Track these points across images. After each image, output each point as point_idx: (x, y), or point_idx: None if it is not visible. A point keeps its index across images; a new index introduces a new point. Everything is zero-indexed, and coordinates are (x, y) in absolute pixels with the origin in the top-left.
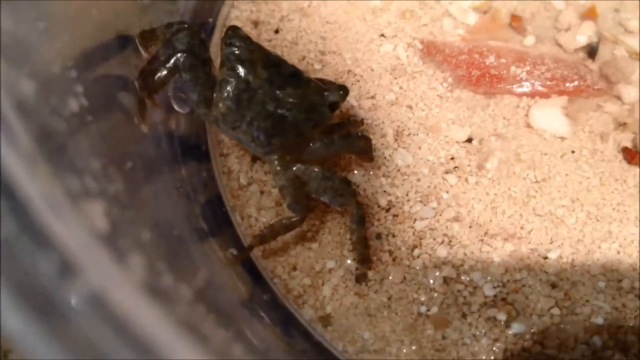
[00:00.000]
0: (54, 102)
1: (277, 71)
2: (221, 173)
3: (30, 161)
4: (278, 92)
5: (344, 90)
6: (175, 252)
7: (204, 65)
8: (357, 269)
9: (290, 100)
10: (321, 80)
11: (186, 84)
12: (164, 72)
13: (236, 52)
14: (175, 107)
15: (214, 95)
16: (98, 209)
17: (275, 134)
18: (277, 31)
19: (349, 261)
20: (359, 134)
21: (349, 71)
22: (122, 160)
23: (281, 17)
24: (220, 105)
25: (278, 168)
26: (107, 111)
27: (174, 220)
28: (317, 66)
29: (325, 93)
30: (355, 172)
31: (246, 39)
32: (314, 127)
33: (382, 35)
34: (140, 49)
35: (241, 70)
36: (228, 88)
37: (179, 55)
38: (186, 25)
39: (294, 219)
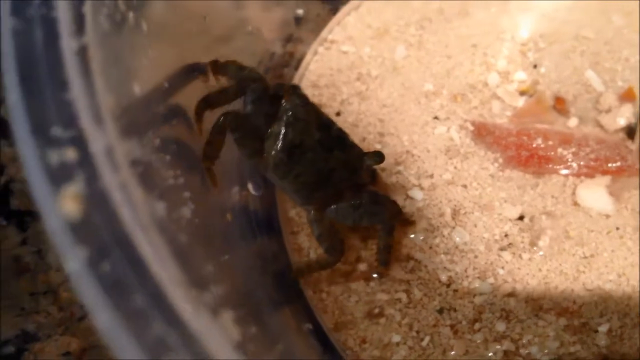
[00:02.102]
0: (175, 215)
1: (327, 133)
2: (292, 250)
3: (181, 287)
4: (326, 152)
5: (379, 156)
6: (257, 319)
7: (265, 118)
8: (376, 268)
9: (336, 161)
10: None
11: (237, 141)
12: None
13: (295, 110)
14: (251, 190)
15: (267, 143)
16: (229, 318)
17: (317, 189)
18: (338, 114)
19: (413, 333)
20: (386, 200)
21: (407, 152)
22: (221, 255)
23: (341, 100)
24: (273, 154)
25: (315, 218)
26: (206, 209)
27: (254, 293)
28: (378, 146)
29: (365, 157)
30: (418, 251)
31: (305, 98)
32: (351, 187)
33: (436, 117)
34: (210, 75)
35: (297, 128)
36: (282, 142)
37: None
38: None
39: (330, 260)
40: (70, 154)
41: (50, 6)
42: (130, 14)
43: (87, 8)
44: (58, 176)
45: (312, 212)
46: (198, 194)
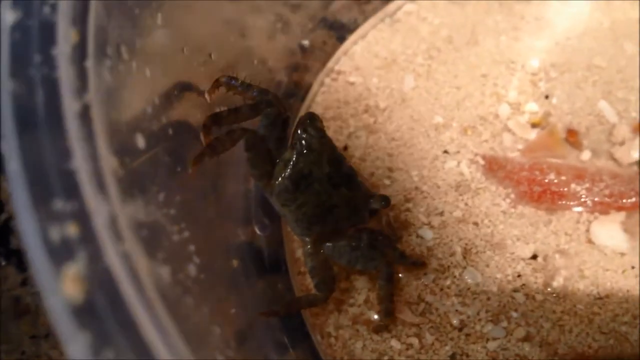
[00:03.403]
0: (181, 276)
1: (337, 169)
2: (300, 291)
3: None
4: (333, 188)
5: (385, 200)
6: None
7: (276, 142)
8: (380, 320)
9: (340, 198)
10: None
11: (250, 160)
12: (228, 141)
13: (309, 139)
14: (257, 230)
15: (276, 169)
16: None
17: (317, 222)
18: (345, 148)
19: None
20: (384, 241)
21: (416, 188)
22: (228, 309)
23: (349, 134)
24: (280, 180)
25: (310, 250)
26: (211, 259)
27: (261, 338)
28: (387, 182)
29: (371, 200)
30: (428, 293)
31: (321, 130)
32: (351, 226)
33: (446, 151)
34: (207, 95)
35: (309, 159)
36: (291, 169)
37: (249, 132)
38: (272, 101)
39: (319, 297)
40: (72, 230)
41: (52, 65)
42: (134, 63)
43: (90, 62)
44: (59, 254)
45: (309, 244)
46: (203, 243)
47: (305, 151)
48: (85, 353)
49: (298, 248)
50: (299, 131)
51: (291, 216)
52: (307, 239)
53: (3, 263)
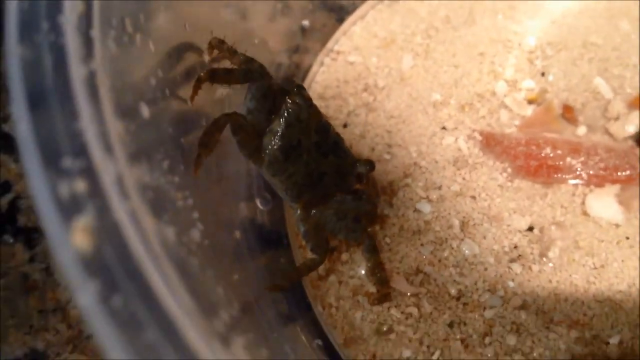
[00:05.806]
0: (185, 239)
1: (325, 137)
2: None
3: (192, 317)
4: (321, 156)
5: (370, 164)
6: (267, 339)
7: (268, 114)
8: (378, 291)
9: (328, 165)
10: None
11: (238, 143)
12: (216, 131)
13: (297, 110)
14: (259, 205)
15: (265, 139)
16: (239, 345)
17: (307, 190)
18: (345, 125)
19: (424, 348)
20: (367, 199)
21: (415, 163)
22: (231, 275)
23: (348, 112)
24: (269, 151)
25: (301, 216)
26: (215, 228)
27: (263, 309)
28: (387, 157)
29: (357, 164)
30: (426, 264)
31: (309, 100)
32: (339, 191)
33: (444, 127)
34: (206, 53)
35: (297, 129)
36: (280, 140)
37: (232, 121)
38: (260, 71)
39: (316, 260)
40: (81, 185)
41: (59, 32)
42: (138, 36)
43: (96, 32)
44: (69, 208)
45: (299, 210)
46: (207, 213)
47: (293, 121)
48: (94, 300)
49: None
50: (287, 101)
51: (281, 185)
52: (297, 205)
53: (11, 241)
